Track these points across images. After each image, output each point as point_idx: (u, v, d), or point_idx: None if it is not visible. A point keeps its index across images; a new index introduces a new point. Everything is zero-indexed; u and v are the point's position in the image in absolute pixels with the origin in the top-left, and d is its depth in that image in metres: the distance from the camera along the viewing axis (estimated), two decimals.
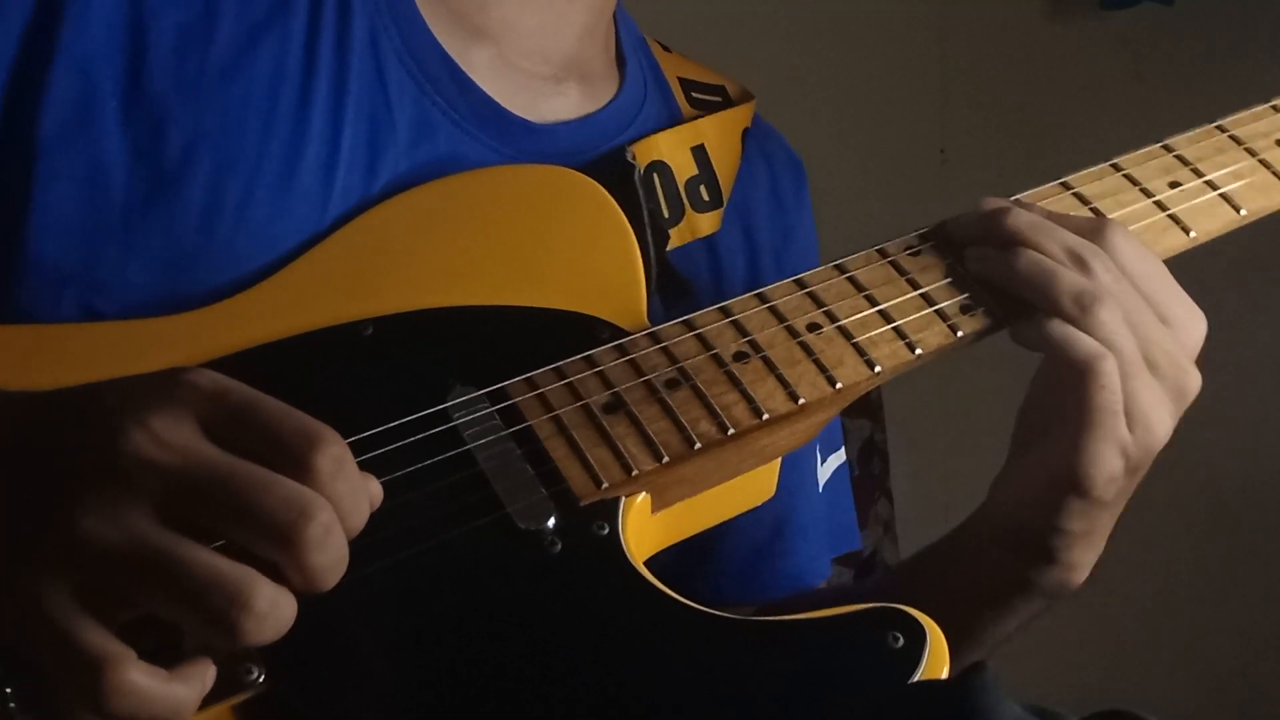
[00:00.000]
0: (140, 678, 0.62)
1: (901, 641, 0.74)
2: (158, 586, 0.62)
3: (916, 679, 0.73)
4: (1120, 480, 0.88)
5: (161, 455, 0.63)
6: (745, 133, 1.12)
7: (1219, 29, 2.62)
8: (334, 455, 0.65)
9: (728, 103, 1.14)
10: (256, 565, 0.64)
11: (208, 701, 0.68)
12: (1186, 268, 0.94)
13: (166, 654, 0.65)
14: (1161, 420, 0.87)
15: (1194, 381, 0.88)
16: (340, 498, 0.65)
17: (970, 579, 0.95)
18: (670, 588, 0.76)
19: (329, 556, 0.64)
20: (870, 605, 0.76)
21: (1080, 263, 0.87)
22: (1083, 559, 0.92)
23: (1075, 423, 0.86)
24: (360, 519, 0.67)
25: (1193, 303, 0.90)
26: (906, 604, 0.87)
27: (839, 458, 1.14)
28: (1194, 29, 2.64)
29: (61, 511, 0.63)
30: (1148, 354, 0.87)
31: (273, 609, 0.63)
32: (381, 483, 0.69)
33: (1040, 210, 0.92)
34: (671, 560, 0.83)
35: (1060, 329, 0.86)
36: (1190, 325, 0.89)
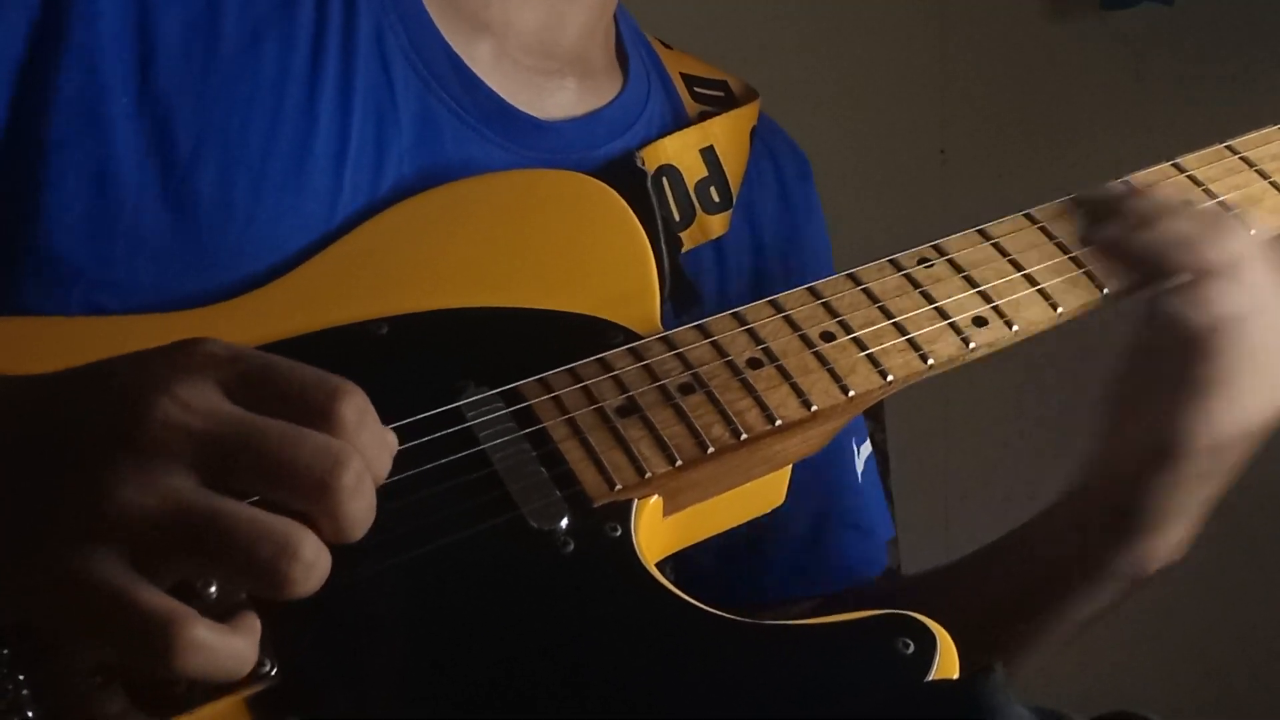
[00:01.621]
0: (205, 633, 0.62)
1: (912, 648, 0.74)
2: (207, 545, 0.63)
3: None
4: (1217, 454, 0.89)
5: (191, 420, 0.64)
6: (752, 131, 1.13)
7: (1219, 29, 2.62)
8: (357, 405, 0.66)
9: (730, 97, 1.14)
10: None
11: (221, 693, 0.68)
12: None
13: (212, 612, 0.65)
14: (1262, 402, 0.89)
15: None
16: (366, 445, 0.66)
17: (1051, 567, 0.97)
18: (713, 587, 0.77)
19: (362, 504, 0.65)
20: (881, 611, 0.76)
21: (1216, 235, 0.89)
22: (1168, 541, 0.93)
23: (1181, 391, 0.88)
24: (385, 466, 0.68)
25: None
26: (979, 598, 0.93)
27: (868, 447, 1.15)
28: (1194, 29, 2.64)
29: (98, 484, 0.63)
30: (1264, 336, 0.88)
31: (319, 557, 0.64)
32: (395, 481, 0.70)
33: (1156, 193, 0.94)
34: (714, 560, 0.84)
35: (1183, 301, 0.88)
36: None
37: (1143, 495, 0.91)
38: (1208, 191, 0.97)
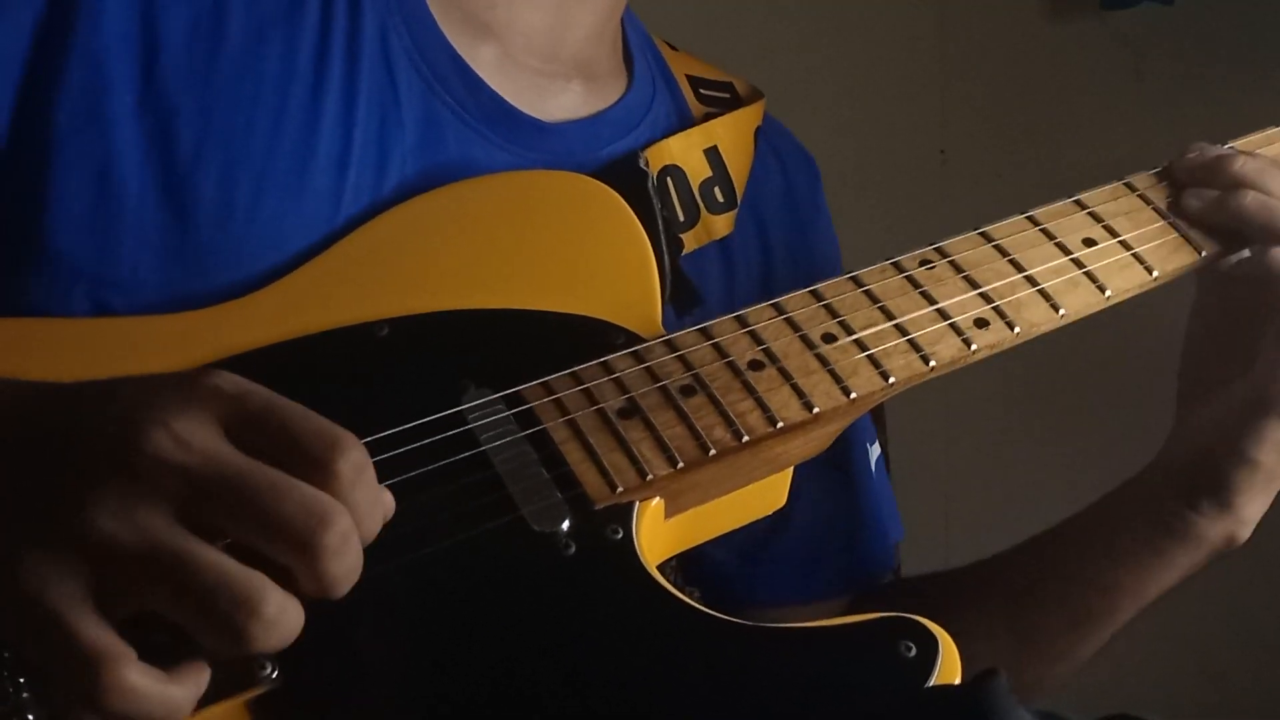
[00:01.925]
0: (137, 678, 0.62)
1: (914, 651, 0.74)
2: (167, 586, 0.62)
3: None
4: None
5: (181, 455, 0.63)
6: (757, 131, 1.13)
7: (1219, 29, 2.62)
8: (355, 461, 0.65)
9: (736, 99, 1.14)
10: (268, 571, 0.63)
11: (222, 695, 0.68)
12: None
13: (166, 652, 0.64)
14: None
15: None
16: (358, 505, 0.65)
17: (1138, 529, 0.98)
18: (726, 589, 0.77)
19: (345, 564, 0.64)
20: (883, 614, 0.76)
21: None
22: (1256, 508, 0.96)
23: (1274, 349, 0.92)
24: (375, 528, 0.67)
25: None
26: (1056, 568, 0.96)
27: (877, 448, 1.16)
28: (1194, 29, 2.64)
29: (75, 505, 0.62)
30: None
31: (280, 615, 0.63)
32: (396, 483, 0.70)
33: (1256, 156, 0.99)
34: (728, 561, 0.84)
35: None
36: None
37: (1235, 458, 0.94)
38: None
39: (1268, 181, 0.96)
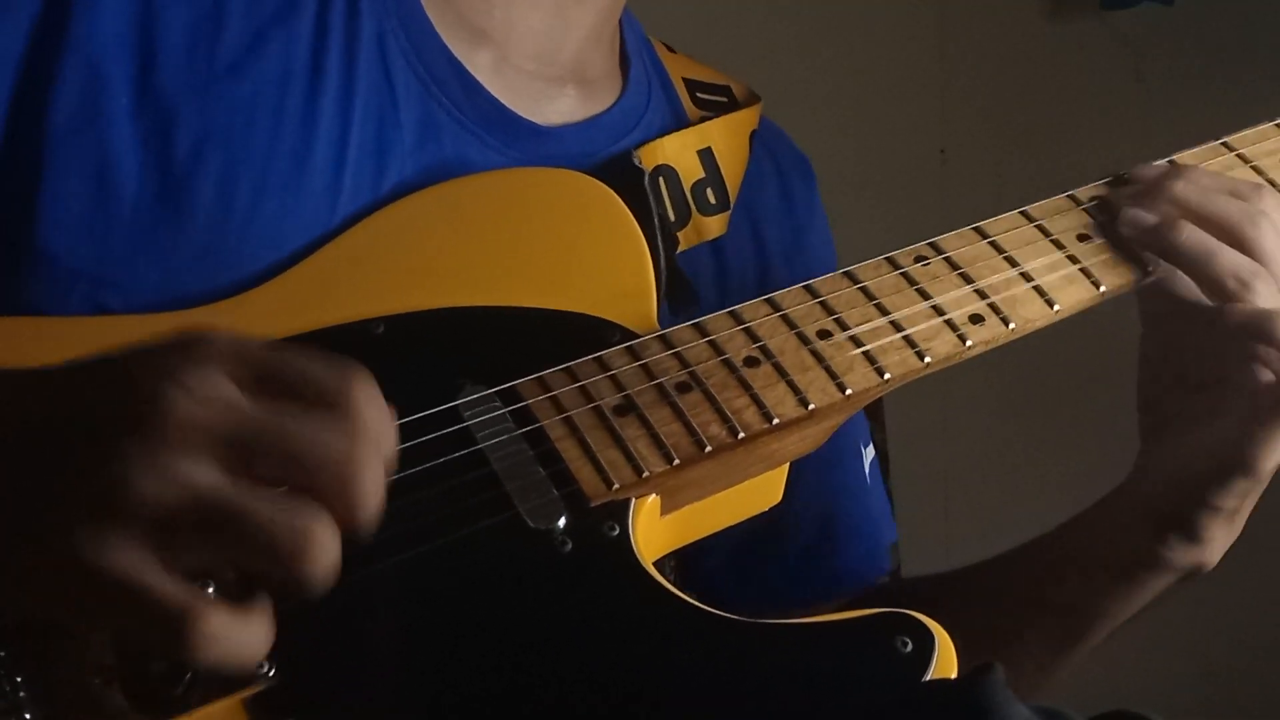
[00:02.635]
0: (223, 621, 0.62)
1: (910, 646, 0.74)
2: (224, 533, 0.63)
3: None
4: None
5: (205, 411, 0.63)
6: (752, 135, 1.13)
7: (1219, 29, 2.62)
8: (365, 385, 0.66)
9: (733, 103, 1.14)
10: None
11: (219, 694, 0.68)
12: None
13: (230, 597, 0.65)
14: None
15: None
16: (376, 422, 0.66)
17: (1108, 556, 0.98)
18: (720, 590, 0.77)
19: (377, 483, 0.65)
20: (878, 610, 0.76)
21: (1240, 239, 0.91)
22: (1223, 538, 0.95)
23: (1243, 408, 0.90)
24: (393, 444, 0.67)
25: None
26: (1030, 586, 0.95)
27: (871, 450, 1.16)
28: (1194, 29, 2.64)
29: (116, 477, 0.62)
30: None
31: (335, 544, 0.64)
32: (393, 481, 0.69)
33: (1200, 175, 0.95)
34: (722, 562, 0.83)
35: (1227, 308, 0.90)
36: None
37: (1203, 506, 0.93)
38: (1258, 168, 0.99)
39: (1208, 204, 0.93)
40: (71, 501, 0.63)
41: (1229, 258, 0.91)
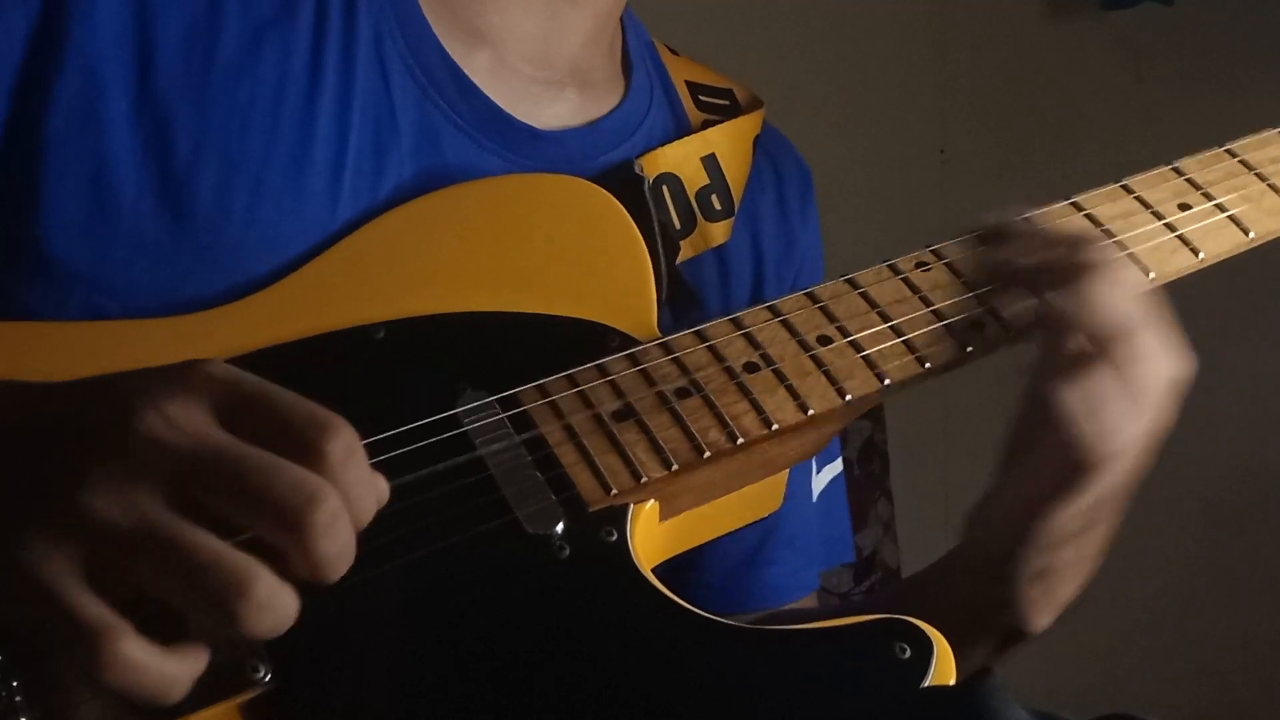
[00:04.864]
0: (134, 650, 0.62)
1: (908, 653, 0.74)
2: (159, 566, 0.63)
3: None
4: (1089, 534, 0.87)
5: (173, 437, 0.63)
6: (756, 140, 1.12)
7: (1219, 29, 2.62)
8: (345, 443, 0.65)
9: (735, 106, 1.14)
10: (265, 560, 0.63)
11: (214, 698, 0.68)
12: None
13: (166, 633, 0.64)
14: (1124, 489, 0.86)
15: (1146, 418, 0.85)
16: (349, 486, 0.65)
17: (950, 607, 0.90)
18: None
19: (336, 544, 0.64)
20: (879, 616, 0.77)
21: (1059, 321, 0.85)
22: (1037, 603, 0.89)
23: (1056, 489, 0.85)
24: (367, 511, 0.67)
25: (1177, 340, 0.86)
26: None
27: (835, 469, 1.14)
28: (1194, 29, 2.64)
29: (69, 486, 0.63)
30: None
31: (272, 599, 0.63)
32: (392, 486, 0.69)
33: (1029, 232, 0.91)
34: (660, 571, 0.82)
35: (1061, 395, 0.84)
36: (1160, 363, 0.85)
37: (1011, 551, 0.87)
38: (1108, 231, 0.94)
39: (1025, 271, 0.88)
40: (26, 506, 0.64)
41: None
